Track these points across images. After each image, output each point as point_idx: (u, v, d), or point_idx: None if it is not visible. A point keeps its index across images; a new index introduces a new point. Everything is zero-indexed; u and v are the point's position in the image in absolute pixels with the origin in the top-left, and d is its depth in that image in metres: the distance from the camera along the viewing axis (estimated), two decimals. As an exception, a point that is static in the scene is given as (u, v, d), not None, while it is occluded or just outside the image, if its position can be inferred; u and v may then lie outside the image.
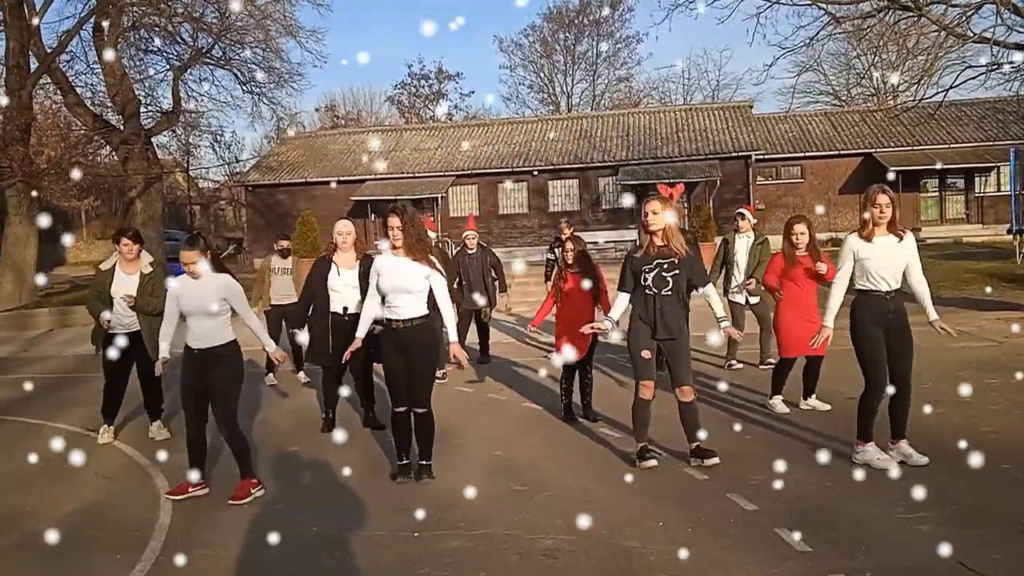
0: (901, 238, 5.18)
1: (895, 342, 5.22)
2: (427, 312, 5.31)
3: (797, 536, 4.19)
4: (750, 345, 8.80)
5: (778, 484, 5.01)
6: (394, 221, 5.20)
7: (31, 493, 5.60)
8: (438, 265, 5.33)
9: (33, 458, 6.52)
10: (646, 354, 5.38)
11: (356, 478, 5.52)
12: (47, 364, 11.63)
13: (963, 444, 5.55)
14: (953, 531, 4.15)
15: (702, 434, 5.41)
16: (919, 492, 4.67)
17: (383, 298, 5.31)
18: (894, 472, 5.03)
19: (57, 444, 6.77)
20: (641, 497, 4.92)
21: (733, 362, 8.68)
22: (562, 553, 4.17)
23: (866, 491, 4.80)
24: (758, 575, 3.82)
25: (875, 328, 5.21)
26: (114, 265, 6.68)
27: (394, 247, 5.23)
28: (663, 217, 5.27)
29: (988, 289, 13.40)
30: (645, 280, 5.32)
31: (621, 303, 5.48)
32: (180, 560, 4.31)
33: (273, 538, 4.26)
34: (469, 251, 9.51)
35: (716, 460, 5.32)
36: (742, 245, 8.66)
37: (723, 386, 6.94)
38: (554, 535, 4.39)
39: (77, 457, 6.45)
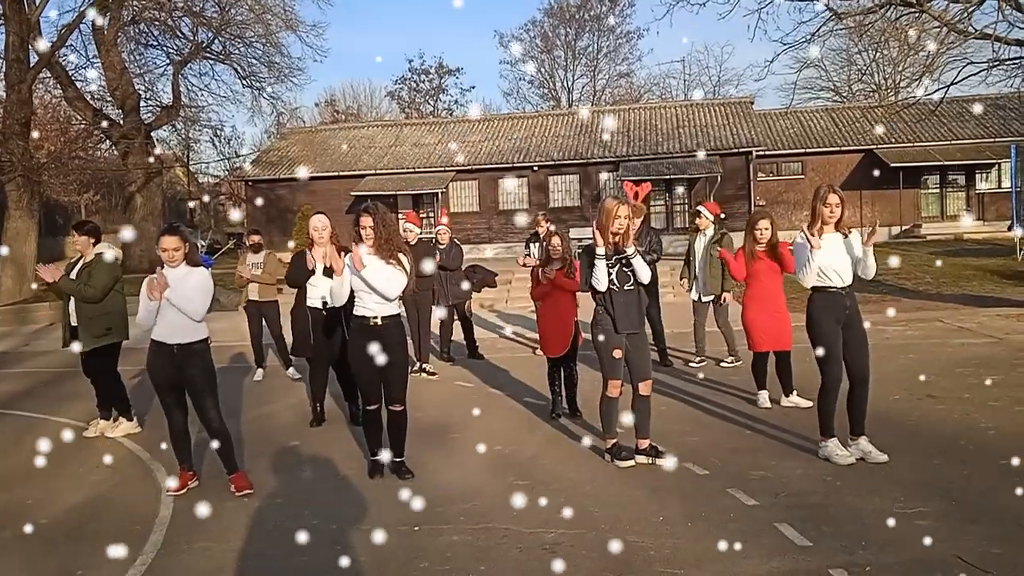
0: (846, 236, 5.26)
1: (852, 337, 5.26)
2: (397, 311, 5.32)
3: (797, 531, 4.20)
4: (720, 345, 8.87)
5: (778, 479, 5.03)
6: (366, 220, 5.20)
7: (33, 487, 5.61)
8: (405, 264, 5.29)
9: (35, 452, 6.54)
10: (617, 353, 5.38)
11: (357, 472, 5.53)
12: (48, 358, 11.63)
13: (963, 440, 5.60)
14: (952, 526, 4.16)
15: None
16: (919, 487, 4.70)
17: (353, 295, 5.30)
18: (891, 463, 5.06)
19: (59, 438, 6.78)
20: (641, 492, 4.93)
21: (701, 359, 8.74)
22: (562, 547, 4.17)
23: (866, 486, 4.81)
24: (758, 569, 3.83)
25: (832, 323, 5.26)
26: (80, 258, 6.77)
27: (366, 245, 5.24)
28: (628, 220, 5.35)
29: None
30: (609, 276, 5.36)
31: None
32: (181, 553, 4.33)
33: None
34: (441, 246, 9.48)
35: (672, 462, 5.34)
36: (700, 244, 8.69)
37: (715, 384, 6.96)
38: (554, 529, 4.39)
39: (79, 451, 6.49)
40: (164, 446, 5.62)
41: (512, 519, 4.57)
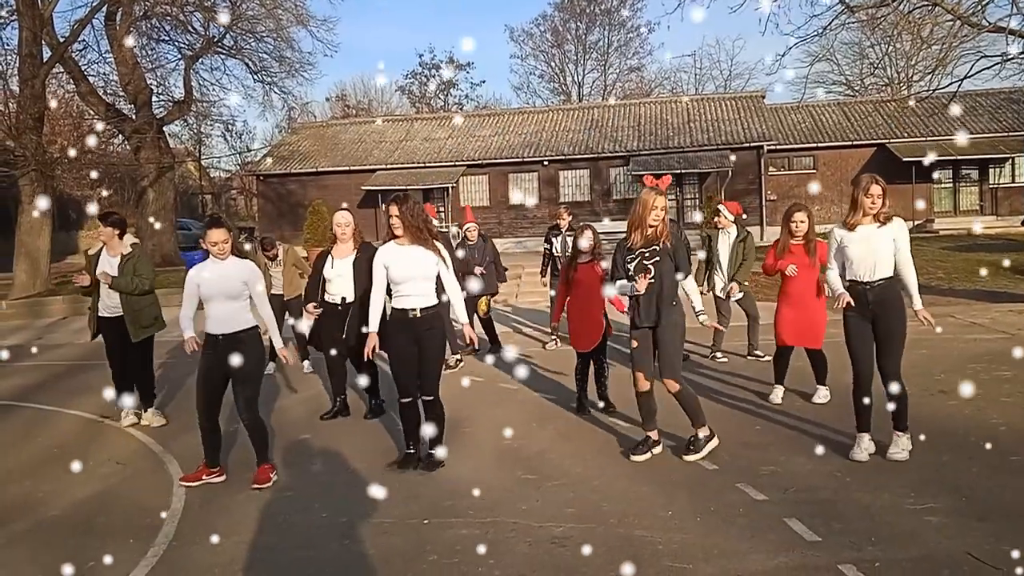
0: (882, 224, 5.12)
1: (880, 332, 5.17)
2: (436, 301, 5.32)
3: (806, 526, 4.20)
4: (739, 339, 8.82)
5: (788, 474, 5.02)
6: (392, 210, 5.23)
7: (45, 479, 5.66)
8: (443, 252, 5.32)
9: (47, 444, 6.60)
10: (634, 344, 5.40)
11: (366, 466, 5.56)
12: (61, 352, 11.72)
13: (973, 436, 5.57)
14: (962, 522, 4.15)
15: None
16: (929, 483, 4.69)
17: (391, 288, 5.32)
18: (903, 460, 5.05)
19: (71, 431, 6.86)
20: (650, 486, 4.93)
21: (718, 354, 8.67)
22: (570, 541, 4.18)
23: (876, 482, 4.79)
24: (766, 564, 3.83)
25: (858, 319, 5.19)
26: (100, 250, 6.79)
27: (396, 236, 5.26)
28: (665, 213, 5.31)
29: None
30: (627, 270, 5.36)
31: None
32: (192, 545, 4.36)
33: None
34: (470, 242, 9.53)
35: (698, 456, 5.34)
36: (723, 242, 8.63)
37: (727, 377, 6.94)
38: (563, 523, 4.41)
39: (90, 443, 6.54)
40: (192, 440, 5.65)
41: (521, 513, 4.59)
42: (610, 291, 5.46)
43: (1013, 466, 4.94)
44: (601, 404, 6.81)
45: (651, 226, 5.28)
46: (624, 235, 5.45)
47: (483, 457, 5.64)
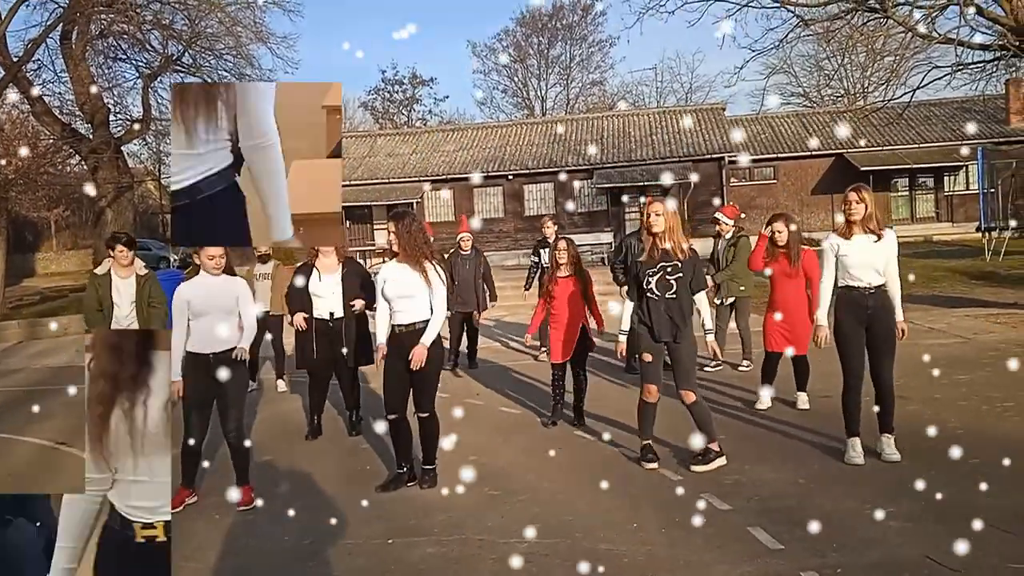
0: (879, 237, 5.22)
1: (874, 338, 5.29)
2: (428, 318, 5.28)
3: (769, 534, 4.22)
4: (734, 345, 8.86)
5: (751, 483, 5.05)
6: (391, 226, 5.23)
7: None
8: (431, 272, 5.23)
9: (1, 473, 6.43)
10: (647, 357, 5.41)
11: (332, 487, 5.49)
12: (17, 377, 11.45)
13: (932, 440, 5.64)
14: (922, 526, 4.21)
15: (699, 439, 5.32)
16: (890, 488, 4.75)
17: (389, 304, 5.30)
18: (864, 466, 5.12)
19: (26, 458, 6.69)
20: (616, 499, 4.92)
21: (717, 364, 8.71)
22: (536, 557, 4.16)
23: (838, 488, 4.85)
24: (730, 574, 3.84)
25: (853, 323, 5.28)
26: (109, 270, 6.65)
27: (394, 253, 5.24)
28: (664, 219, 5.27)
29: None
30: (648, 284, 5.33)
31: (629, 312, 5.52)
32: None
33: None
34: (463, 252, 9.46)
35: (706, 468, 5.32)
36: (720, 248, 8.69)
37: (706, 383, 6.95)
38: (528, 540, 4.38)
39: (46, 471, 6.38)
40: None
41: (487, 529, 4.56)
42: (628, 315, 5.49)
43: (970, 469, 5.01)
44: (575, 418, 6.77)
45: (653, 234, 5.28)
46: (628, 246, 5.44)
47: (448, 474, 5.60)
